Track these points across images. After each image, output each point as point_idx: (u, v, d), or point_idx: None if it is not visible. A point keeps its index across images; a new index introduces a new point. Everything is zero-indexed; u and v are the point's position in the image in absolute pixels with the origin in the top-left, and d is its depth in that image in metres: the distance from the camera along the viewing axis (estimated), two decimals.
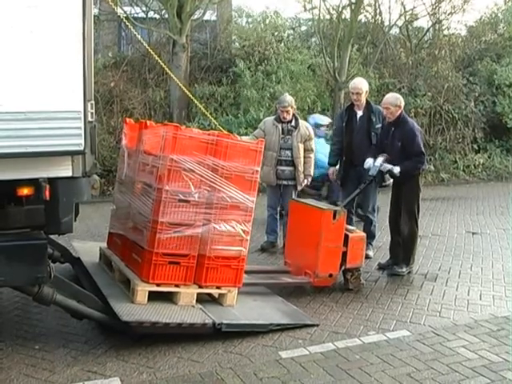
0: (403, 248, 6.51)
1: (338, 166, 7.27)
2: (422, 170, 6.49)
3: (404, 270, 6.45)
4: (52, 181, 3.99)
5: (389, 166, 6.26)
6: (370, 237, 7.18)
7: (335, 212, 5.74)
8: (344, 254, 5.77)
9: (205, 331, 4.56)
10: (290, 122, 7.17)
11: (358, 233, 6.04)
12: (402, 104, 6.40)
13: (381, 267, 6.65)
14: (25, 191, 4.01)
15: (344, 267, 5.84)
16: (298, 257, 5.99)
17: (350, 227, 6.06)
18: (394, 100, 6.38)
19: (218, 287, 4.99)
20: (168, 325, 4.43)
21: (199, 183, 4.78)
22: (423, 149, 6.34)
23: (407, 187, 6.38)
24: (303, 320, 5.05)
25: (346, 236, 5.78)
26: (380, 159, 6.31)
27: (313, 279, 5.70)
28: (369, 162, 6.41)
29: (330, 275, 5.74)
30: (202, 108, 8.17)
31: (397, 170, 6.22)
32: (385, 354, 4.37)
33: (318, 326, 4.95)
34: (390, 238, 6.75)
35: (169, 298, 4.85)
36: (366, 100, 7.00)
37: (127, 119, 6.11)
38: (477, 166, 14.99)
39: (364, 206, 7.17)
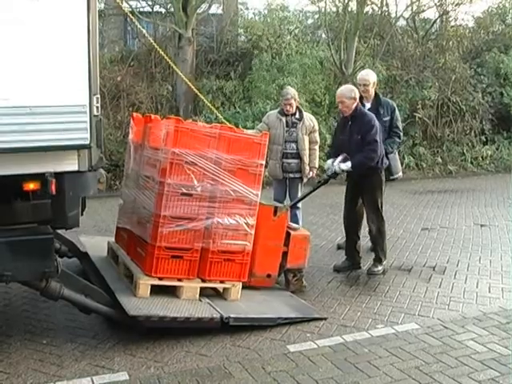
0: (374, 247, 6.34)
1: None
2: (383, 163, 6.03)
3: (379, 268, 6.21)
4: (58, 175, 3.98)
5: (343, 166, 5.85)
6: None
7: (276, 208, 5.43)
8: (285, 254, 5.42)
9: (212, 325, 4.55)
10: (294, 114, 7.11)
11: (301, 231, 5.68)
12: (357, 96, 6.00)
13: (336, 269, 6.31)
14: (31, 186, 4.01)
15: (285, 268, 5.50)
16: None
17: (293, 225, 5.74)
18: (348, 92, 5.96)
19: (221, 281, 4.97)
20: (175, 319, 4.42)
21: (202, 176, 4.74)
22: (378, 137, 5.86)
23: (368, 182, 6.04)
24: (311, 314, 5.04)
25: (288, 234, 5.44)
26: (339, 158, 5.92)
27: (248, 279, 5.18)
28: (328, 162, 6.10)
29: (269, 275, 5.39)
30: (207, 102, 8.14)
31: (348, 165, 5.82)
32: (393, 347, 4.36)
33: (326, 319, 4.94)
34: (345, 239, 6.49)
35: (172, 292, 4.83)
36: (375, 92, 6.95)
37: (134, 113, 6.10)
38: (485, 157, 14.88)
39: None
